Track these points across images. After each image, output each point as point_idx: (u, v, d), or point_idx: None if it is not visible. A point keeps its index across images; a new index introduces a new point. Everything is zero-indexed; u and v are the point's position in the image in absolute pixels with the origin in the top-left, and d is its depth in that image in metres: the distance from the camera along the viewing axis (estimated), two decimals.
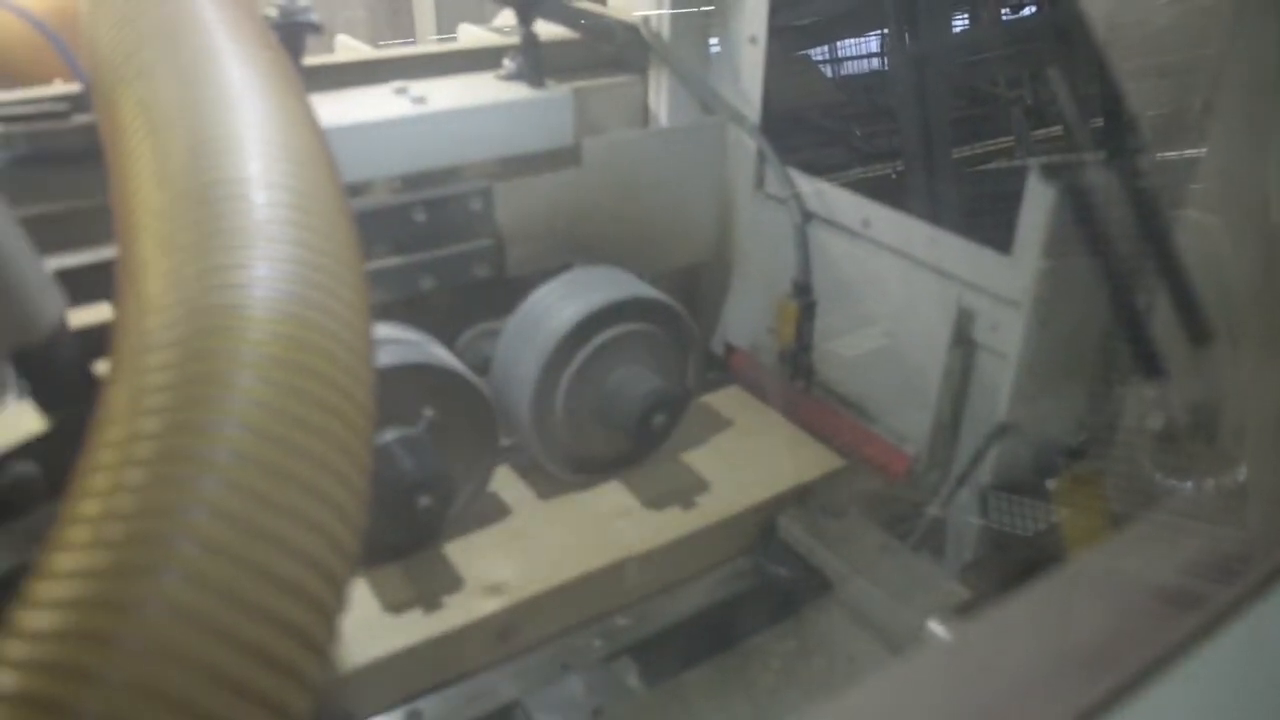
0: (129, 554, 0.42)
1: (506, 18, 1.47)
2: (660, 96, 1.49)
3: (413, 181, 1.23)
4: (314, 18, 1.06)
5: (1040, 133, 2.50)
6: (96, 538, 0.42)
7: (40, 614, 0.40)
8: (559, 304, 1.20)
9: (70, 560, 0.42)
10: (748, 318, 1.54)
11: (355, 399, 0.52)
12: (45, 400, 0.68)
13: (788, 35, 2.55)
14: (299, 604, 0.44)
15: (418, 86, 1.25)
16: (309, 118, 0.68)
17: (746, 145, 1.43)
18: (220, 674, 0.41)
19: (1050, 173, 1.01)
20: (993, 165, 2.47)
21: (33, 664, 0.39)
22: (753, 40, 1.41)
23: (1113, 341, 1.09)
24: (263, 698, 0.42)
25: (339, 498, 0.48)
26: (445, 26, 2.53)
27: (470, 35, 1.56)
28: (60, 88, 1.10)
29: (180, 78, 0.66)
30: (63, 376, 0.67)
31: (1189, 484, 0.85)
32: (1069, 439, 1.16)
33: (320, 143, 0.67)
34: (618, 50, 1.44)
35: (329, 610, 0.47)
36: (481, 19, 1.67)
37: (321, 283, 0.54)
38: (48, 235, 0.73)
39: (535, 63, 1.29)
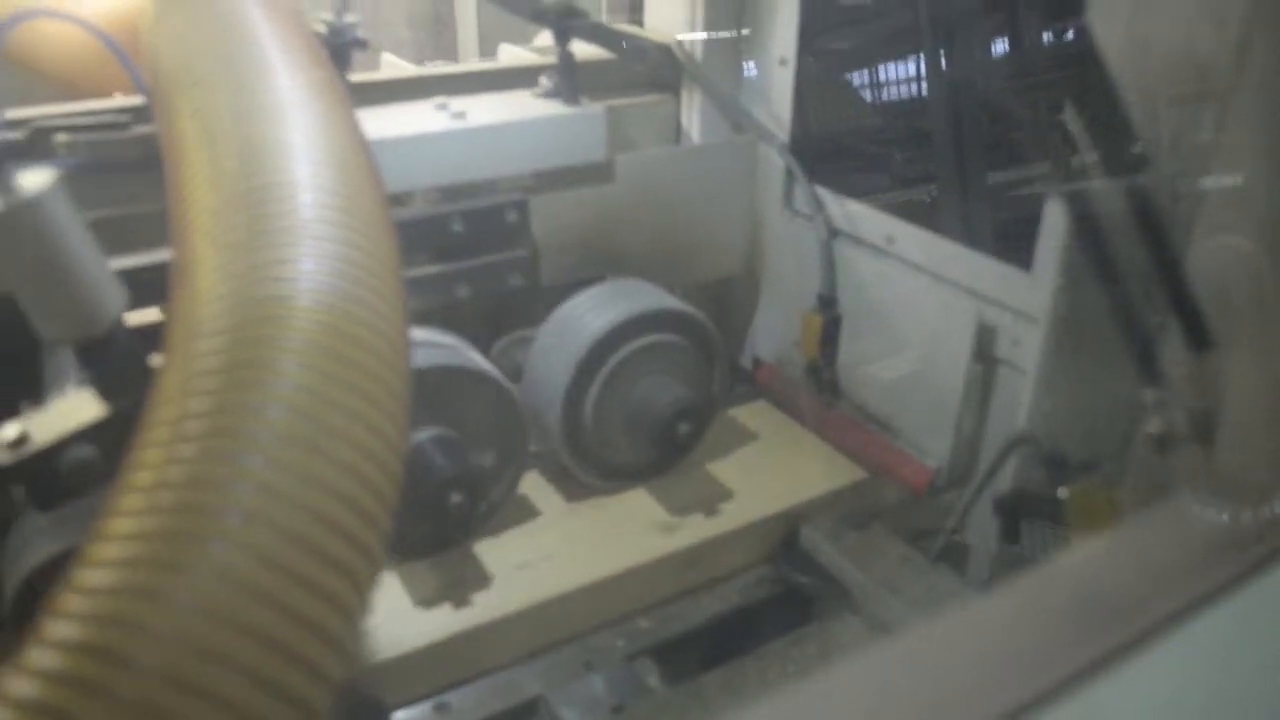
0: (179, 520, 0.45)
1: (546, 38, 1.52)
2: (692, 115, 1.53)
3: (451, 193, 1.27)
4: (360, 35, 1.11)
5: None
6: (149, 505, 0.46)
7: (95, 572, 0.43)
8: (590, 314, 1.23)
9: (124, 524, 0.45)
10: (775, 332, 1.56)
11: (391, 386, 0.56)
12: (105, 389, 0.73)
13: (824, 59, 2.58)
14: (335, 573, 0.48)
15: (458, 102, 1.30)
16: (354, 127, 0.72)
17: (775, 163, 1.46)
18: (261, 633, 0.44)
19: (1068, 191, 1.02)
20: (1025, 189, 2.47)
21: (89, 616, 0.42)
22: (782, 62, 1.44)
23: (1136, 359, 1.09)
24: (300, 658, 0.45)
25: (374, 476, 0.52)
26: (487, 48, 2.59)
27: (510, 55, 1.60)
28: (121, 100, 1.16)
29: (234, 88, 0.71)
30: (122, 367, 0.72)
31: (1224, 516, 0.85)
32: (1089, 455, 1.16)
33: (364, 150, 0.70)
34: (651, 70, 1.48)
35: (363, 581, 0.50)
36: (523, 40, 1.72)
37: (362, 279, 0.58)
38: (106, 238, 0.77)
39: (571, 81, 1.34)
